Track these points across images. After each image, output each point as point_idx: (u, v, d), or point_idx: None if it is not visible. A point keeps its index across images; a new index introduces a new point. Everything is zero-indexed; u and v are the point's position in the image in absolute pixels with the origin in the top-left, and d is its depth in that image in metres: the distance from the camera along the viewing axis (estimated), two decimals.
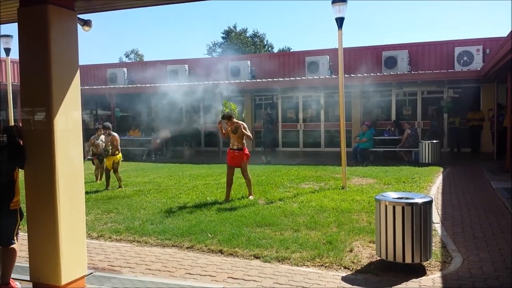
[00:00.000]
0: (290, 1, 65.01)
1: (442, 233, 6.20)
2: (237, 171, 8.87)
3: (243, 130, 8.61)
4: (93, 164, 11.81)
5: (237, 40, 46.47)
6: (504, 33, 10.52)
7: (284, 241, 5.78)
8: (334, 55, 16.86)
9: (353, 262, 5.06)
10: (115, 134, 10.66)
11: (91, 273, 4.81)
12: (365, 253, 5.40)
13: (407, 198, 4.85)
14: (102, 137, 11.19)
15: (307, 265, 5.04)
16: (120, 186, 10.41)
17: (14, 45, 13.72)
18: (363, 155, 14.64)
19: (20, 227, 4.47)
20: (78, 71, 4.41)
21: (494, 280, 4.48)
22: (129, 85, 20.63)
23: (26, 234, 4.35)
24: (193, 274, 4.82)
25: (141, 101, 21.36)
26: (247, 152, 8.82)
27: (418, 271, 4.77)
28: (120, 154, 10.63)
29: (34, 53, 4.16)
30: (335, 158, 13.91)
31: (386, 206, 4.77)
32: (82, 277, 4.43)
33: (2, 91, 14.50)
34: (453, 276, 4.63)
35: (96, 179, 11.59)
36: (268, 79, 17.69)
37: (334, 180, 10.64)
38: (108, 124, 10.85)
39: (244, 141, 8.78)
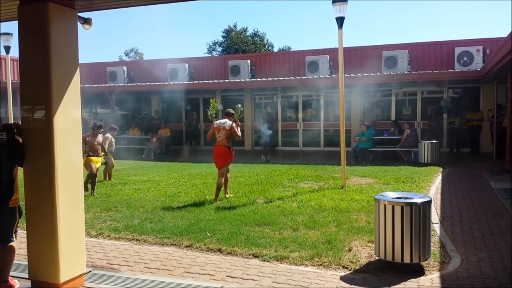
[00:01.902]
0: (290, 0, 65.00)
1: (441, 233, 6.20)
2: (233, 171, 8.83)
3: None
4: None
5: (237, 39, 46.44)
6: (505, 34, 10.54)
7: (283, 240, 5.79)
8: (334, 54, 16.89)
9: (351, 262, 5.06)
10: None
11: (89, 271, 4.81)
12: (364, 252, 5.40)
13: (406, 198, 4.85)
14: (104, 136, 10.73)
15: (306, 265, 5.05)
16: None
17: (14, 43, 13.73)
18: (362, 155, 14.65)
19: (19, 225, 4.47)
20: (78, 69, 4.42)
21: (493, 280, 4.48)
22: (128, 84, 20.63)
23: (25, 232, 4.36)
24: (192, 273, 4.82)
25: (140, 100, 21.41)
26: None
27: (417, 271, 4.77)
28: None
29: (34, 51, 4.16)
30: (334, 158, 13.90)
31: (385, 205, 4.77)
32: (81, 275, 4.44)
33: (2, 89, 14.50)
34: (452, 276, 4.63)
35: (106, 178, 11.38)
36: (268, 78, 17.70)
37: (333, 179, 10.64)
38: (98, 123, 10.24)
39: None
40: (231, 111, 8.91)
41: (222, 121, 8.70)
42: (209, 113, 9.20)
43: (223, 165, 8.62)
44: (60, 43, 4.17)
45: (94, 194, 9.27)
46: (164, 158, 16.89)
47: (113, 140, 11.62)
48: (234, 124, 8.61)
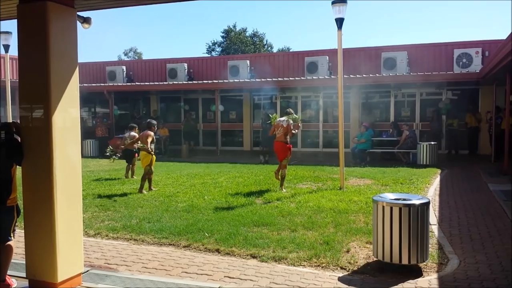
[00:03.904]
0: (290, 0, 65.04)
1: (439, 234, 6.21)
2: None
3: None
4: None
5: (237, 40, 46.45)
6: (504, 36, 10.56)
7: (281, 241, 5.79)
8: (333, 55, 16.86)
9: (349, 263, 5.06)
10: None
11: (87, 271, 4.80)
12: (362, 253, 5.40)
13: (404, 199, 4.85)
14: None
15: (304, 265, 5.05)
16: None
17: (13, 41, 13.71)
18: (361, 156, 14.65)
19: (17, 224, 4.46)
20: (77, 68, 4.41)
21: (491, 282, 4.49)
22: (127, 83, 20.62)
23: (23, 231, 4.35)
24: (190, 273, 4.82)
25: (139, 100, 21.40)
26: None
27: (415, 272, 4.77)
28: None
29: (33, 50, 4.15)
30: (333, 159, 13.91)
31: (383, 207, 4.78)
32: (79, 275, 4.43)
33: (1, 88, 14.48)
34: (449, 278, 4.64)
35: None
36: (267, 79, 17.69)
37: (331, 180, 10.64)
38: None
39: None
40: (290, 110, 9.93)
41: (281, 119, 9.67)
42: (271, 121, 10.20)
43: (283, 158, 9.53)
44: (59, 42, 4.17)
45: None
46: (163, 158, 16.86)
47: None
48: (291, 122, 9.52)
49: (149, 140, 9.60)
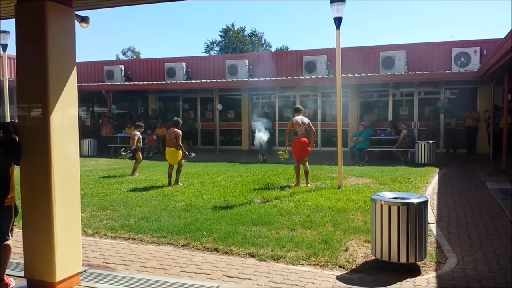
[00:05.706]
0: (289, 0, 65.02)
1: (437, 233, 6.22)
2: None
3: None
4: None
5: (235, 39, 46.43)
6: (502, 35, 10.53)
7: (280, 240, 5.79)
8: (331, 54, 16.91)
9: (348, 262, 5.07)
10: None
11: (86, 270, 4.80)
12: (360, 252, 5.41)
13: (402, 198, 4.86)
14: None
15: (302, 264, 5.05)
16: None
17: (11, 41, 13.68)
18: (359, 155, 14.66)
19: (15, 223, 4.45)
20: (75, 67, 4.41)
21: (489, 280, 4.50)
22: (125, 82, 20.60)
23: (21, 230, 4.34)
24: (188, 272, 4.82)
25: (137, 99, 21.36)
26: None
27: (413, 271, 4.78)
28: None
29: (31, 49, 4.14)
30: (331, 158, 13.91)
31: (381, 205, 4.78)
32: (77, 274, 4.43)
33: None
34: (448, 276, 4.64)
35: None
36: (266, 78, 17.69)
37: (330, 179, 10.65)
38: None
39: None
40: (301, 107, 10.50)
41: (299, 117, 10.04)
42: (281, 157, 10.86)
43: (306, 155, 9.87)
44: (57, 41, 4.16)
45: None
46: (161, 157, 16.81)
47: (140, 136, 12.72)
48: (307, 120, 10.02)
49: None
